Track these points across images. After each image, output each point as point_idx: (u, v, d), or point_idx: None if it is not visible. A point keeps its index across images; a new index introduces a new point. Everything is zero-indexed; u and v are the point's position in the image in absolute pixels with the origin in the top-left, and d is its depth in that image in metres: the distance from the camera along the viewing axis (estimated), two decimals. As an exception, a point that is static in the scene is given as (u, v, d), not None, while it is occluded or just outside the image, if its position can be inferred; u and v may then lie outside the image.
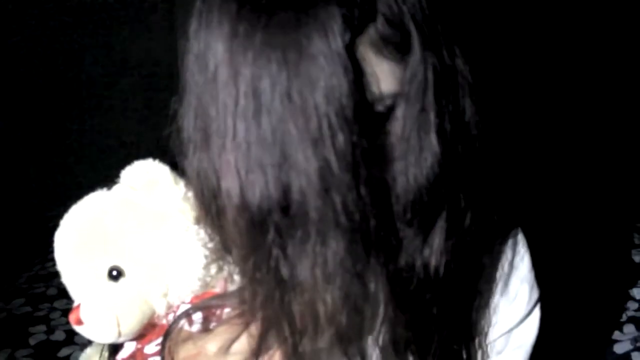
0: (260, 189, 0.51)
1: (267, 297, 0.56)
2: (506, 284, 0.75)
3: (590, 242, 1.77)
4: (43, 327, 1.98)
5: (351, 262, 0.53)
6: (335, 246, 0.52)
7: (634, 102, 1.99)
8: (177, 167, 0.66)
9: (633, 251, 1.82)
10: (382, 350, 0.67)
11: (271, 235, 0.53)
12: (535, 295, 0.78)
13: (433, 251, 0.60)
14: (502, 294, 0.75)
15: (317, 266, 0.53)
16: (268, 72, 0.50)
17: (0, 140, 2.69)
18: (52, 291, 2.11)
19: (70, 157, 2.88)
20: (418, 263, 0.60)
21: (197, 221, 0.64)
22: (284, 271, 0.54)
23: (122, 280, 0.63)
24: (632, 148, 2.01)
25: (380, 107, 0.55)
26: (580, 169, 1.95)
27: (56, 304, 2.05)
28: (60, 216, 0.67)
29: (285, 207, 0.52)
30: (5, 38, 2.66)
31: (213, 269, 0.65)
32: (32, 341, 1.93)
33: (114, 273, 0.63)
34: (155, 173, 0.64)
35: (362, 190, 0.52)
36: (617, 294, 1.69)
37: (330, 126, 0.50)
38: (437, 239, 0.60)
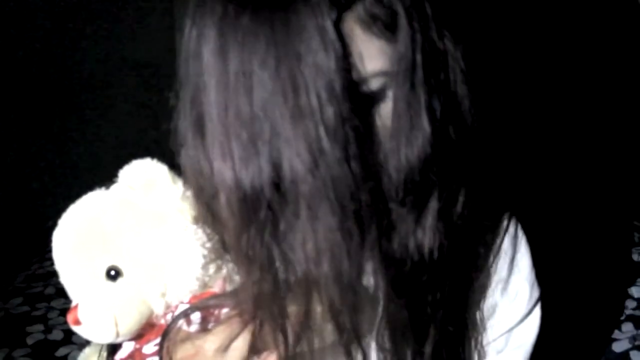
0: (253, 166, 0.52)
1: (260, 277, 0.56)
2: (506, 283, 0.75)
3: (590, 240, 1.77)
4: (41, 327, 1.97)
5: (343, 238, 0.54)
6: (327, 222, 0.53)
7: (635, 101, 1.99)
8: (175, 167, 0.66)
9: (632, 250, 1.82)
10: (380, 343, 0.68)
11: (264, 212, 0.54)
12: (536, 294, 0.78)
13: (426, 232, 0.61)
14: (502, 293, 0.75)
15: (309, 242, 0.53)
16: (257, 49, 0.51)
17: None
18: (50, 290, 2.11)
19: (68, 156, 2.88)
20: (411, 244, 0.61)
21: (196, 221, 0.64)
22: (277, 249, 0.55)
23: (120, 280, 0.63)
24: (632, 146, 2.01)
25: (370, 85, 0.56)
26: (579, 167, 1.95)
27: (54, 304, 2.05)
28: (58, 215, 0.67)
29: (277, 183, 0.52)
30: (4, 39, 2.65)
31: (211, 268, 0.65)
32: (29, 340, 1.93)
33: (112, 273, 0.62)
34: (153, 172, 0.64)
35: (353, 166, 0.53)
36: (616, 292, 1.69)
37: (319, 101, 0.51)
38: (430, 219, 0.61)
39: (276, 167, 0.52)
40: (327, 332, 0.63)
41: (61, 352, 1.86)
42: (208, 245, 0.64)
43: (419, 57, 0.56)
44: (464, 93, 0.62)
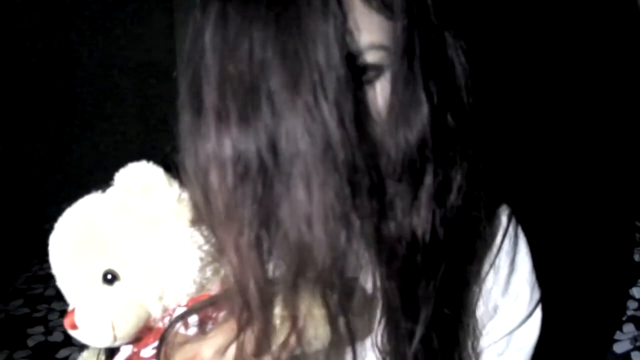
0: (251, 131, 0.53)
1: (252, 257, 0.57)
2: (507, 284, 0.75)
3: (591, 241, 1.77)
4: (41, 329, 1.98)
5: (337, 204, 0.54)
6: (322, 188, 0.53)
7: (636, 101, 1.99)
8: (171, 169, 0.66)
9: (634, 250, 1.81)
10: (378, 345, 0.68)
11: (260, 179, 0.54)
12: (537, 295, 0.78)
13: (420, 214, 0.62)
14: (503, 295, 0.75)
15: (303, 207, 0.54)
16: (258, 14, 0.52)
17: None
18: (50, 292, 2.11)
19: (69, 158, 2.89)
20: (406, 225, 0.61)
21: (192, 224, 0.63)
22: (272, 217, 0.55)
23: (117, 283, 0.62)
24: (633, 147, 2.01)
25: (366, 57, 0.57)
26: (581, 168, 1.95)
27: (54, 305, 2.06)
28: (59, 217, 0.67)
29: (274, 148, 0.53)
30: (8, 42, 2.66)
31: (209, 271, 0.64)
32: (30, 342, 1.94)
33: (109, 277, 0.62)
34: (149, 175, 0.63)
35: (350, 132, 0.53)
36: (618, 293, 1.69)
37: (318, 67, 0.52)
38: (424, 201, 0.62)
39: (274, 132, 0.53)
40: (324, 335, 0.63)
41: (62, 353, 1.86)
42: (205, 247, 0.63)
43: (416, 39, 0.58)
44: (462, 80, 0.63)
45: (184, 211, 0.63)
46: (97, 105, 2.98)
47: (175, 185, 0.64)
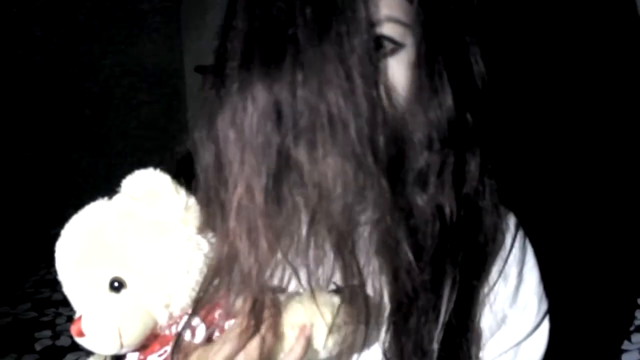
0: (276, 88, 0.56)
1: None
2: (515, 296, 0.75)
3: (599, 251, 1.76)
4: (49, 332, 1.99)
5: (357, 170, 0.56)
6: (346, 155, 0.55)
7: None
8: (179, 176, 0.66)
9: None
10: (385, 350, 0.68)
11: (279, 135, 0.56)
12: (544, 306, 0.77)
13: (445, 192, 0.64)
14: (510, 306, 0.75)
15: (327, 172, 0.56)
16: None
17: (7, 147, 2.70)
18: (57, 296, 2.12)
19: (78, 164, 2.90)
20: (435, 200, 0.63)
21: (199, 231, 0.63)
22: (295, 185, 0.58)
23: (123, 291, 0.62)
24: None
25: (382, 29, 0.59)
26: (588, 176, 1.94)
27: (62, 310, 2.06)
28: (67, 221, 0.67)
29: (294, 106, 0.55)
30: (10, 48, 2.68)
31: (216, 280, 0.64)
32: (38, 346, 1.94)
33: (115, 284, 0.62)
34: (156, 183, 0.63)
35: (372, 89, 0.56)
36: (625, 302, 1.68)
37: (346, 23, 0.55)
38: (447, 179, 0.64)
39: (297, 85, 0.55)
40: (331, 344, 0.63)
41: (69, 358, 1.87)
42: (212, 255, 0.64)
43: (436, 22, 0.61)
44: (479, 82, 0.66)
45: (191, 218, 0.64)
46: (108, 113, 2.99)
47: (181, 192, 0.64)
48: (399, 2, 0.60)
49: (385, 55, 0.60)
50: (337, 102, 0.55)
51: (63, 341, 1.93)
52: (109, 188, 0.66)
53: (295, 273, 0.67)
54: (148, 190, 0.63)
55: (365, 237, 0.64)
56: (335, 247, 0.61)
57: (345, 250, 0.61)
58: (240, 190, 0.58)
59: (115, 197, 0.65)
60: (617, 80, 1.96)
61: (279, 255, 0.61)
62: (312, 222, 0.62)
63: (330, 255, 0.65)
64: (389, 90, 0.59)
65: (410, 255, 0.64)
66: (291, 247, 0.61)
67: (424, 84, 0.61)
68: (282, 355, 0.63)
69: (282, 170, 0.58)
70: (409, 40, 0.61)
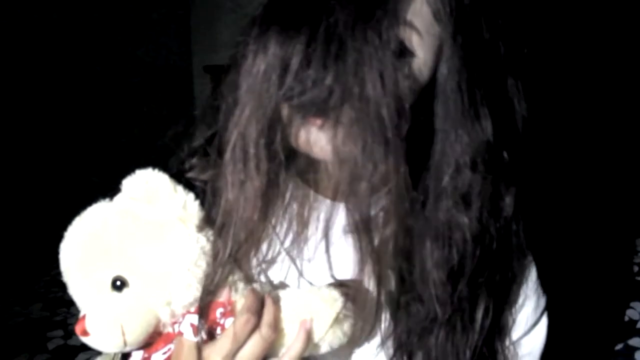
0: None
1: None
2: (513, 292, 0.75)
3: (597, 246, 1.75)
4: (60, 332, 2.00)
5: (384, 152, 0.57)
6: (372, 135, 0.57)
7: None
8: (179, 176, 0.67)
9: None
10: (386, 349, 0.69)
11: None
12: (542, 303, 0.78)
13: (470, 211, 0.65)
14: (509, 303, 0.75)
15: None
16: None
17: (19, 147, 2.71)
18: (69, 296, 2.13)
19: (89, 163, 2.91)
20: (454, 215, 0.64)
21: (199, 229, 0.64)
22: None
23: (125, 290, 0.63)
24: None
25: (400, 33, 0.59)
26: (586, 177, 1.93)
27: (73, 309, 2.07)
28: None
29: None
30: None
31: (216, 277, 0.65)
32: (50, 345, 1.95)
33: (118, 283, 0.63)
34: (154, 182, 0.64)
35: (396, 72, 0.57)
36: (623, 300, 1.68)
37: (386, 31, 0.56)
38: (475, 200, 0.65)
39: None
40: (331, 338, 0.64)
41: (81, 357, 1.88)
42: (211, 253, 0.64)
43: (475, 50, 0.62)
44: (520, 121, 0.67)
45: (190, 216, 0.64)
46: (121, 112, 3.00)
47: (180, 191, 0.65)
48: (425, 13, 0.60)
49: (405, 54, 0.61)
50: (374, 85, 0.56)
51: (75, 340, 1.94)
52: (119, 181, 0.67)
53: (294, 263, 0.67)
54: (147, 189, 0.64)
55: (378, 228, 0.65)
56: (355, 229, 0.62)
57: (362, 235, 0.62)
58: (236, 134, 0.61)
59: (116, 198, 0.66)
60: (615, 82, 1.95)
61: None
62: (332, 204, 0.66)
63: (331, 246, 0.66)
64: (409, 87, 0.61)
65: (442, 272, 0.65)
66: (279, 209, 0.66)
67: (466, 109, 0.62)
68: (283, 350, 0.64)
69: (276, 124, 0.60)
70: (421, 52, 0.61)
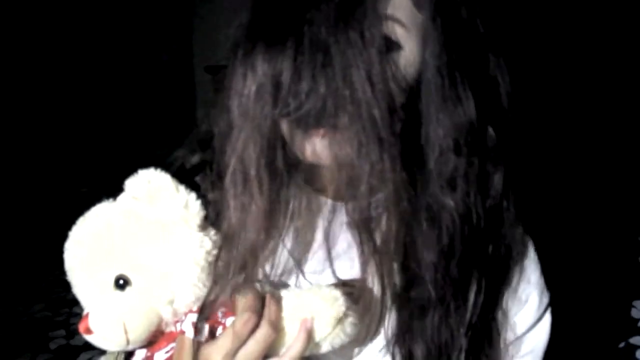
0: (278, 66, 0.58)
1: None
2: (516, 289, 0.75)
3: (601, 243, 1.75)
4: (63, 332, 2.00)
5: (379, 153, 0.58)
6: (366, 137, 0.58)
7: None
8: (183, 175, 0.67)
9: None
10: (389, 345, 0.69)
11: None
12: (546, 300, 0.78)
13: (457, 192, 0.65)
14: (512, 300, 0.75)
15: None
16: None
17: (19, 148, 2.72)
18: (71, 296, 2.13)
19: (92, 162, 2.91)
20: (445, 197, 0.65)
21: (200, 228, 0.65)
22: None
23: (128, 289, 0.64)
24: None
25: (384, 29, 0.60)
26: (589, 174, 1.93)
27: (76, 309, 2.08)
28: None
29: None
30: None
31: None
32: (52, 345, 1.96)
33: (121, 282, 0.63)
34: (156, 182, 0.64)
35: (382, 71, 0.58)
36: (628, 296, 1.67)
37: (369, 31, 0.57)
38: (462, 180, 0.65)
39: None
40: (333, 337, 0.64)
41: (83, 357, 1.88)
42: (214, 252, 0.65)
43: (455, 34, 0.63)
44: (505, 98, 0.68)
45: (192, 216, 0.65)
46: (117, 111, 3.00)
47: (182, 190, 0.65)
48: (406, 4, 0.61)
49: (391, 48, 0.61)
50: (363, 88, 0.56)
51: (77, 340, 1.95)
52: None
53: (297, 264, 0.68)
54: (149, 189, 0.64)
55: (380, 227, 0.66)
56: (356, 230, 0.63)
57: (364, 236, 0.63)
58: (235, 159, 0.61)
59: (119, 198, 0.67)
60: (614, 81, 1.95)
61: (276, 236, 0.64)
62: (333, 204, 0.65)
63: (335, 246, 0.66)
64: (397, 83, 0.61)
65: (433, 254, 0.66)
66: (284, 225, 0.65)
67: (447, 92, 0.63)
68: (283, 350, 0.64)
69: (276, 142, 0.60)
70: (408, 44, 0.62)
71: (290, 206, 0.67)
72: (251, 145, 0.60)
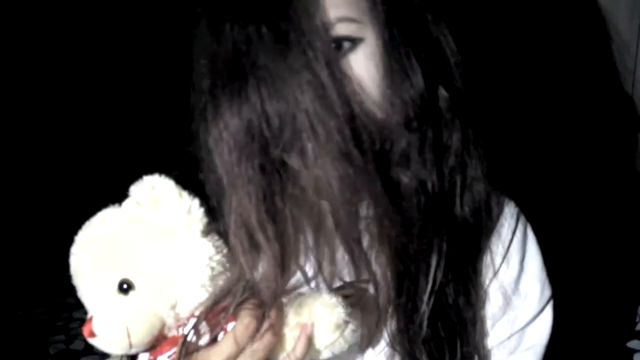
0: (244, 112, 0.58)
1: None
2: (517, 282, 0.76)
3: (604, 237, 1.75)
4: (62, 337, 2.00)
5: (345, 168, 0.58)
6: (330, 149, 0.58)
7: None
8: (186, 181, 0.68)
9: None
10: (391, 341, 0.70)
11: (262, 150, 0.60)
12: (547, 293, 0.78)
13: (427, 167, 0.66)
14: (513, 292, 0.75)
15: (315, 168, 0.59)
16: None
17: (22, 152, 2.72)
18: (71, 300, 2.13)
19: (94, 169, 2.91)
20: (418, 175, 0.66)
21: (203, 234, 0.65)
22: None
23: (132, 293, 0.64)
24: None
25: (337, 30, 0.61)
26: (597, 178, 1.94)
27: (75, 314, 2.08)
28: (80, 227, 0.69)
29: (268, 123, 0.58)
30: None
31: (220, 280, 0.66)
32: (51, 350, 1.96)
33: (124, 286, 0.64)
34: (159, 188, 0.65)
35: (342, 87, 0.59)
36: (632, 291, 1.67)
37: (306, 36, 0.58)
38: (429, 154, 0.66)
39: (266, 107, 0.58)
40: (333, 343, 0.64)
41: (82, 362, 1.88)
42: (216, 257, 0.65)
43: (389, 12, 0.63)
44: (452, 60, 0.69)
45: (195, 222, 0.65)
46: (117, 111, 3.00)
47: (185, 196, 0.66)
48: (346, 0, 0.62)
49: (346, 53, 0.62)
50: (314, 108, 0.57)
51: (77, 345, 1.95)
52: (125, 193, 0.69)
53: (304, 274, 0.68)
54: (153, 195, 0.65)
55: (369, 231, 0.66)
56: (344, 243, 0.63)
57: (354, 246, 0.63)
58: (233, 219, 0.62)
59: (124, 203, 0.67)
60: (613, 81, 1.95)
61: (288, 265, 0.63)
62: (318, 225, 0.64)
63: (335, 254, 0.67)
64: (358, 84, 0.61)
65: (402, 233, 0.66)
66: (294, 256, 0.64)
67: (394, 69, 0.63)
68: (283, 355, 0.65)
69: (272, 184, 0.60)
70: (367, 33, 0.63)
71: (301, 237, 0.67)
72: (249, 204, 0.60)
